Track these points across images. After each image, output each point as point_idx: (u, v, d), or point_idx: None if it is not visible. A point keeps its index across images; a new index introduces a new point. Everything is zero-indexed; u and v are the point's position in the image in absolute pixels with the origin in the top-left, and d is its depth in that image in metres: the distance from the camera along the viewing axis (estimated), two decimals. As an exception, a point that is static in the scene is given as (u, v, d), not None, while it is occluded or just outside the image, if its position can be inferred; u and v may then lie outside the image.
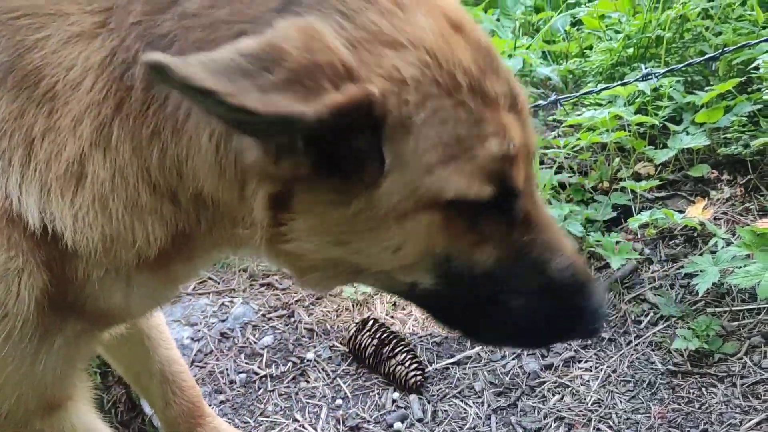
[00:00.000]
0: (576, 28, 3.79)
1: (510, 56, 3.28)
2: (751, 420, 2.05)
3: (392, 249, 1.04)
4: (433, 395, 2.35)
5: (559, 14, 4.01)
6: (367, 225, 1.01)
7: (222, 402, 2.42)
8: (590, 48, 3.58)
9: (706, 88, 2.67)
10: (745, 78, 2.68)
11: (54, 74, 0.98)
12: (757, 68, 2.55)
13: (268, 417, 2.32)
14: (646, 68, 2.45)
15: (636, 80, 2.46)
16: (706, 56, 2.42)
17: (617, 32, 3.32)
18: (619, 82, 2.59)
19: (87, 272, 1.07)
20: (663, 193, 2.75)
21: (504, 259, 1.10)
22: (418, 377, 2.34)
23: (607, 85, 2.62)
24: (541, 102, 2.85)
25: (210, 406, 2.36)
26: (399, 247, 1.04)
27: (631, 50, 3.27)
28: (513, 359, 2.46)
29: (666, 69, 2.48)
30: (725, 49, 2.36)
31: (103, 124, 0.98)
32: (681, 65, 2.49)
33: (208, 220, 1.07)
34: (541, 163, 2.97)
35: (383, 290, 1.42)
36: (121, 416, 2.33)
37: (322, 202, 1.00)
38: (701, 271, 2.27)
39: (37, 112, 0.98)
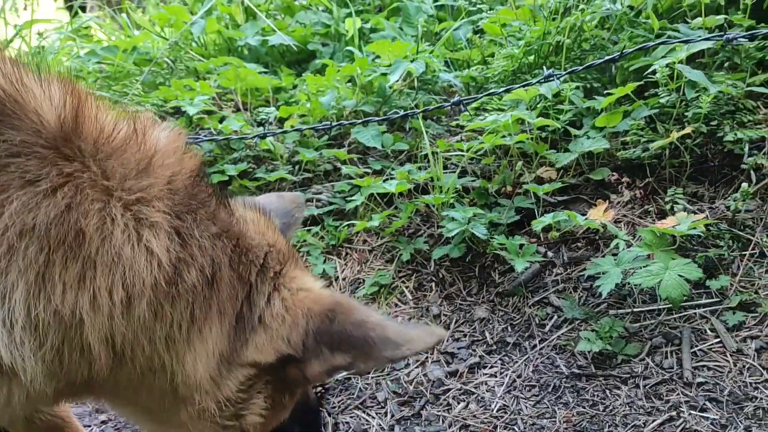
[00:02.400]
0: (478, 36, 3.78)
1: (413, 60, 3.22)
2: (654, 421, 2.03)
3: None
4: (334, 407, 2.24)
5: (460, 22, 4.00)
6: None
7: (103, 422, 2.22)
8: (492, 56, 3.57)
9: (606, 92, 2.68)
10: (642, 83, 2.71)
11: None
12: (654, 73, 2.58)
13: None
14: (548, 70, 2.43)
15: (538, 81, 2.44)
16: (607, 58, 2.43)
17: (518, 39, 3.32)
18: (523, 84, 2.56)
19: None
20: (565, 197, 2.75)
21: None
22: (318, 389, 2.22)
23: (510, 86, 2.59)
24: (444, 105, 2.79)
25: (89, 426, 2.17)
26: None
27: (532, 57, 3.28)
28: (417, 367, 2.38)
29: (568, 71, 2.46)
30: (624, 51, 2.37)
31: None
32: (582, 67, 2.49)
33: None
34: (445, 168, 2.91)
35: None
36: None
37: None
38: (604, 273, 2.25)
39: None
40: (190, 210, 1.20)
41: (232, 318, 1.25)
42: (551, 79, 2.45)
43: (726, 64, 2.77)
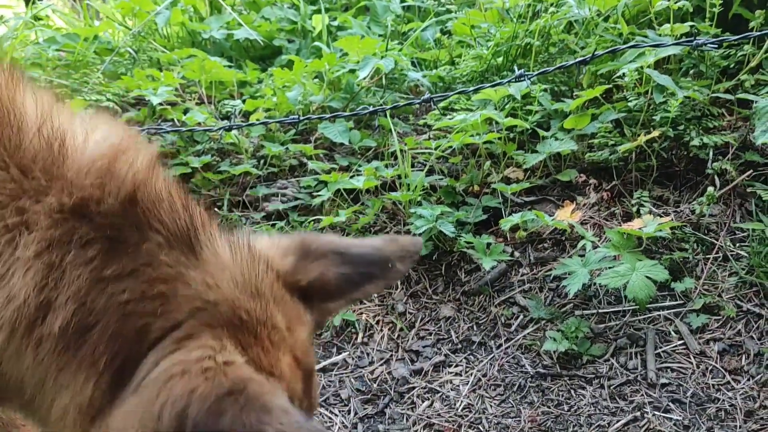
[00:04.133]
0: (447, 36, 3.78)
1: (382, 56, 3.20)
2: (618, 421, 2.04)
3: None
4: (297, 403, 2.19)
5: (428, 22, 3.99)
6: None
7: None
8: (460, 57, 3.58)
9: (575, 94, 2.69)
10: (611, 86, 2.73)
11: None
12: (622, 76, 2.60)
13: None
14: (519, 70, 2.43)
15: (509, 81, 2.43)
16: (579, 59, 2.43)
17: (487, 40, 3.32)
18: (493, 83, 2.56)
19: None
20: (532, 198, 2.75)
21: None
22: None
23: (481, 85, 2.58)
24: (414, 101, 2.78)
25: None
26: None
27: (500, 59, 3.28)
28: (381, 365, 2.35)
29: (539, 72, 2.47)
30: (596, 53, 2.38)
31: None
32: (553, 68, 2.50)
33: None
34: (412, 166, 2.89)
35: None
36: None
37: None
38: (571, 273, 2.26)
39: None
40: (83, 244, 0.99)
41: (111, 377, 1.00)
42: (522, 78, 2.44)
43: (692, 72, 2.81)
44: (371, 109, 2.83)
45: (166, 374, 0.95)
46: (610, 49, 2.40)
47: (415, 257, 1.34)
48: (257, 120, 3.13)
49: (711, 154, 2.56)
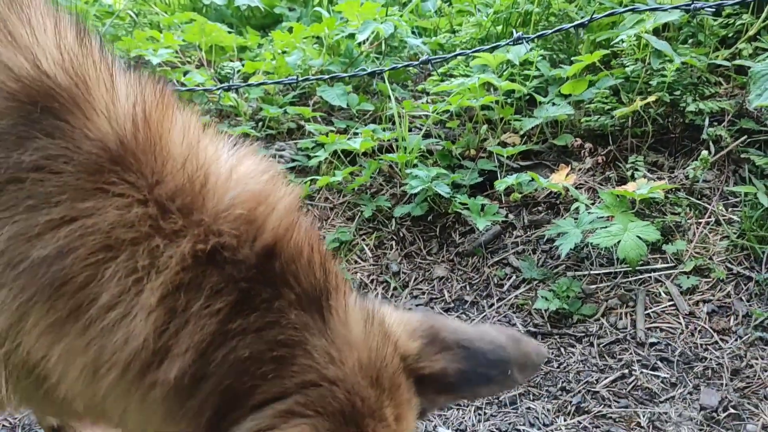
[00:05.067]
0: (447, 3, 3.78)
1: (382, 22, 3.21)
2: (606, 378, 2.06)
3: None
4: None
5: (429, -9, 3.99)
6: None
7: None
8: (461, 25, 3.58)
9: (573, 60, 2.70)
10: (608, 51, 2.73)
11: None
12: (620, 42, 2.60)
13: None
14: (517, 33, 2.44)
15: (507, 43, 2.44)
16: (577, 22, 2.44)
17: (487, 6, 3.33)
18: (492, 45, 2.56)
19: None
20: (528, 162, 2.76)
21: None
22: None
23: (479, 47, 2.59)
24: (412, 63, 2.78)
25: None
26: None
27: (500, 27, 3.28)
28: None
29: (537, 34, 2.47)
30: (594, 16, 2.39)
31: None
32: (552, 30, 2.50)
33: None
34: (409, 130, 2.90)
35: None
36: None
37: None
38: (563, 233, 2.27)
39: None
40: (211, 294, 0.93)
41: (206, 429, 0.98)
42: (520, 42, 2.45)
43: (690, 40, 2.81)
44: (369, 70, 2.83)
45: None
46: (608, 12, 2.40)
47: (537, 369, 1.31)
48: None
49: (707, 120, 2.57)
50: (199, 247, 0.91)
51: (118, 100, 0.94)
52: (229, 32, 3.93)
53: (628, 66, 2.63)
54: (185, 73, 3.32)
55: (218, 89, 3.02)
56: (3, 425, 2.02)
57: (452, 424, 2.00)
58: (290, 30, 3.64)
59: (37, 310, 0.92)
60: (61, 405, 1.05)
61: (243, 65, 3.39)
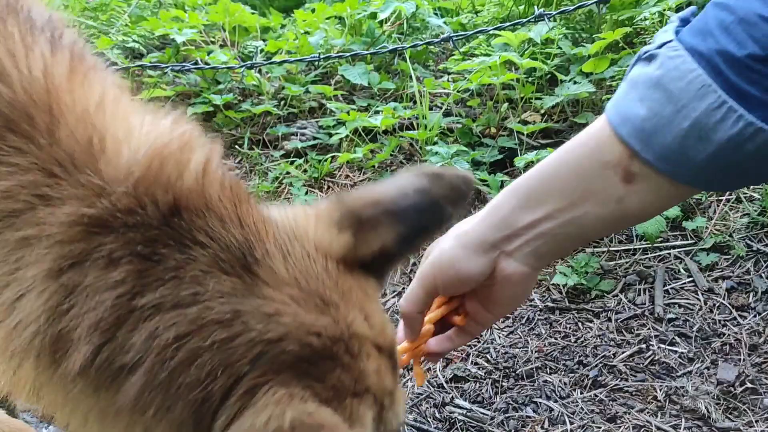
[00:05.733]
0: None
1: (404, 1, 3.21)
2: (624, 353, 2.07)
3: None
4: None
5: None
6: None
7: None
8: (483, 5, 3.58)
9: (595, 36, 2.69)
10: (631, 29, 2.72)
11: None
12: (644, 19, 2.59)
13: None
14: (539, 10, 2.44)
15: (529, 20, 2.44)
16: (598, -1, 2.44)
17: (510, -15, 3.33)
18: (513, 22, 2.57)
19: None
20: (548, 141, 2.76)
21: None
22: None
23: (500, 25, 2.59)
24: (433, 41, 2.79)
25: None
26: None
27: (522, 6, 3.28)
28: (393, 297, 2.40)
29: (559, 11, 2.47)
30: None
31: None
32: (574, 7, 2.50)
33: None
34: (430, 109, 2.92)
35: None
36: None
37: None
38: (583, 209, 2.28)
39: None
40: (109, 261, 0.80)
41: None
42: (542, 19, 2.45)
43: (714, 18, 2.78)
44: (391, 47, 2.85)
45: None
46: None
47: (469, 197, 1.14)
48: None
49: (729, 98, 2.55)
50: (88, 212, 0.80)
51: (18, 62, 0.85)
52: (253, 13, 3.96)
53: (650, 43, 2.61)
54: (209, 53, 3.36)
55: (241, 67, 3.05)
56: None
57: (468, 396, 2.02)
58: (313, 10, 3.67)
59: None
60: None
61: (266, 44, 3.42)
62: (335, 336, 0.87)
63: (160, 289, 0.79)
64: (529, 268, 1.19)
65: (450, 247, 1.21)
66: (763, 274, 2.20)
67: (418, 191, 1.05)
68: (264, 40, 3.74)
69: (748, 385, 1.91)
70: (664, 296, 2.21)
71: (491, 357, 2.13)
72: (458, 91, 2.85)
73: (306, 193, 2.76)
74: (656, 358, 2.04)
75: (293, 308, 0.84)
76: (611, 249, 2.37)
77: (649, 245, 2.31)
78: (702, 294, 2.19)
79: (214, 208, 0.85)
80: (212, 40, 3.72)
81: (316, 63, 3.07)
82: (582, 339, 2.14)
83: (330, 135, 2.95)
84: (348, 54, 3.01)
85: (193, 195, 0.84)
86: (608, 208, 1.06)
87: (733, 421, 1.82)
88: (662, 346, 2.07)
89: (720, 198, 2.39)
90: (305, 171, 2.85)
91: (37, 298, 0.79)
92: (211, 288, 0.80)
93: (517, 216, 1.15)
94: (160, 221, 0.81)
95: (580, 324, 2.19)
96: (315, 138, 2.98)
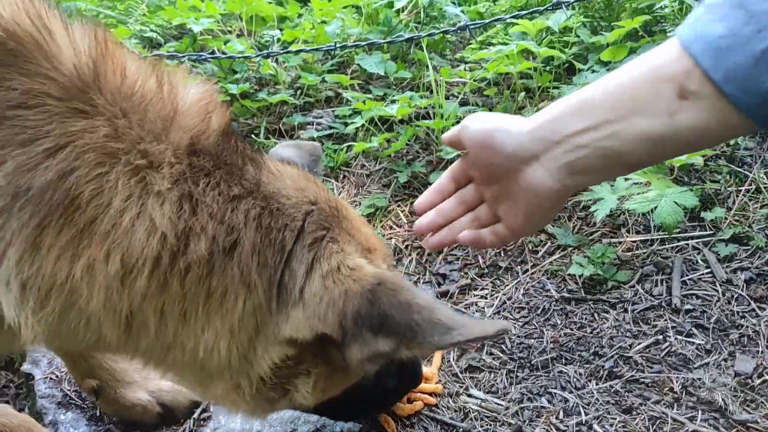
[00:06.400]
0: (487, -28, 3.75)
1: (421, -11, 3.21)
2: (640, 344, 2.05)
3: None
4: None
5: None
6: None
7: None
8: (501, -7, 3.55)
9: (614, 24, 2.66)
10: (650, 17, 2.69)
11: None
12: (664, 7, 2.56)
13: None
14: (556, -2, 2.42)
15: (547, 8, 2.41)
16: (617, -14, 2.41)
17: (528, -27, 3.30)
18: (531, 11, 2.54)
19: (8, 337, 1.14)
20: (565, 130, 2.74)
21: None
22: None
23: (518, 13, 2.57)
24: (450, 29, 2.77)
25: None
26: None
27: (540, -5, 3.25)
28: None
29: (576, -1, 2.45)
30: (635, -20, 2.36)
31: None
32: (591, -6, 2.47)
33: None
34: (447, 98, 2.90)
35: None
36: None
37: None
38: (599, 199, 2.26)
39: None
40: (207, 173, 1.10)
41: (265, 289, 1.12)
42: (559, 6, 2.42)
43: (736, 6, 2.75)
44: (407, 36, 2.83)
45: (321, 284, 1.12)
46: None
47: (320, 159, 1.69)
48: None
49: (750, 87, 2.52)
50: (185, 143, 1.10)
51: (76, 40, 1.07)
52: (270, 2, 3.96)
53: (669, 32, 2.58)
54: (226, 42, 3.36)
55: (257, 56, 3.05)
56: (50, 378, 2.09)
57: (484, 386, 2.02)
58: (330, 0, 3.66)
59: (50, 233, 1.01)
60: (86, 337, 1.10)
61: (282, 34, 3.42)
62: (335, 205, 1.25)
63: (240, 182, 1.12)
64: (559, 183, 1.19)
65: (495, 122, 1.27)
66: (782, 266, 2.18)
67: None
68: (281, 30, 3.74)
69: (766, 377, 1.89)
70: (682, 287, 2.19)
71: (506, 347, 2.12)
72: (475, 80, 2.83)
73: (321, 181, 2.75)
74: (673, 349, 2.03)
75: (309, 185, 1.25)
76: (628, 239, 2.35)
77: (667, 236, 2.28)
78: (720, 285, 2.17)
79: (232, 133, 1.21)
80: (229, 29, 3.72)
81: (333, 52, 3.06)
82: (598, 330, 2.13)
83: (346, 124, 2.94)
84: (364, 43, 3.00)
85: (228, 122, 1.21)
86: (658, 121, 1.05)
87: (751, 413, 1.80)
88: (679, 337, 2.06)
89: (739, 188, 2.36)
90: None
91: (162, 209, 1.05)
92: (260, 178, 1.16)
93: (564, 122, 1.17)
94: (222, 140, 1.15)
95: (596, 315, 2.18)
96: (331, 127, 2.98)
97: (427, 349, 1.10)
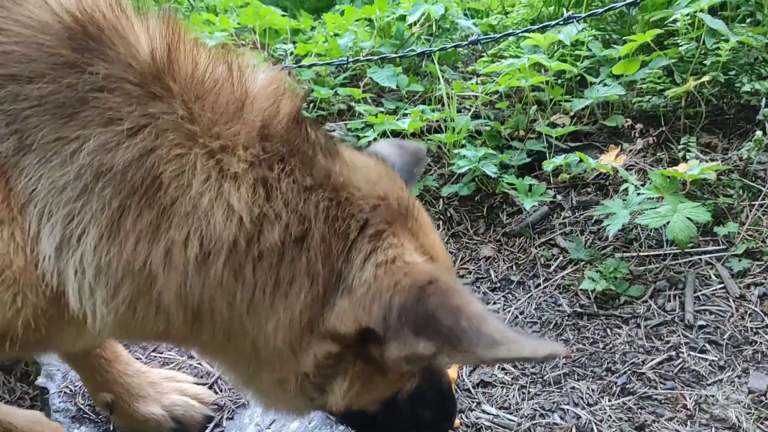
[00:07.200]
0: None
1: (433, 3, 3.21)
2: (653, 360, 2.05)
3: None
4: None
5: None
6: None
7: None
8: (513, 6, 3.56)
9: (626, 38, 2.67)
10: (662, 31, 2.69)
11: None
12: (674, 22, 2.56)
13: (161, 353, 2.19)
14: (568, 12, 2.42)
15: (557, 23, 2.42)
16: (628, 1, 2.41)
17: (540, -14, 3.31)
18: (542, 25, 2.55)
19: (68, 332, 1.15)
20: (577, 144, 2.74)
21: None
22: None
23: (529, 27, 2.58)
24: (461, 44, 2.79)
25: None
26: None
27: (552, 7, 3.26)
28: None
29: (588, 13, 2.45)
30: (647, -8, 2.36)
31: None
32: (603, 9, 2.48)
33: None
34: (458, 111, 2.91)
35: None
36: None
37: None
38: (612, 214, 2.26)
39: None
40: (280, 159, 1.10)
41: (326, 279, 1.12)
42: (570, 21, 2.43)
43: (749, 20, 2.75)
44: (419, 50, 2.85)
45: (372, 275, 1.11)
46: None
47: (422, 162, 1.66)
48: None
49: (763, 101, 2.51)
50: (258, 127, 1.10)
51: (150, 27, 1.10)
52: (283, 15, 3.99)
53: (682, 45, 2.58)
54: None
55: (270, 71, 3.07)
56: (65, 392, 2.11)
57: (496, 402, 2.02)
58: (342, 13, 3.68)
59: (131, 214, 1.02)
60: (151, 328, 1.12)
61: (295, 47, 3.44)
62: (406, 204, 1.22)
63: (313, 172, 1.12)
64: None
65: None
66: (796, 281, 2.17)
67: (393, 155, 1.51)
68: (294, 43, 3.77)
69: (780, 394, 1.88)
70: (695, 303, 2.19)
71: (518, 363, 2.12)
72: (487, 94, 2.83)
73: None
74: (686, 365, 2.02)
75: (385, 179, 1.22)
76: (640, 254, 2.34)
77: (680, 251, 2.28)
78: (733, 301, 2.16)
79: (305, 119, 1.21)
80: (243, 42, 3.75)
81: (345, 65, 3.08)
82: (610, 345, 2.13)
83: (358, 138, 2.95)
84: (377, 57, 3.01)
85: (298, 108, 1.19)
86: None
87: (765, 431, 1.79)
88: (692, 353, 2.05)
89: (752, 203, 2.35)
90: (333, 174, 2.86)
91: (239, 193, 1.06)
92: (333, 169, 1.15)
93: None
94: (293, 127, 1.14)
95: (608, 330, 2.18)
96: (343, 140, 2.99)
97: (469, 359, 1.13)
